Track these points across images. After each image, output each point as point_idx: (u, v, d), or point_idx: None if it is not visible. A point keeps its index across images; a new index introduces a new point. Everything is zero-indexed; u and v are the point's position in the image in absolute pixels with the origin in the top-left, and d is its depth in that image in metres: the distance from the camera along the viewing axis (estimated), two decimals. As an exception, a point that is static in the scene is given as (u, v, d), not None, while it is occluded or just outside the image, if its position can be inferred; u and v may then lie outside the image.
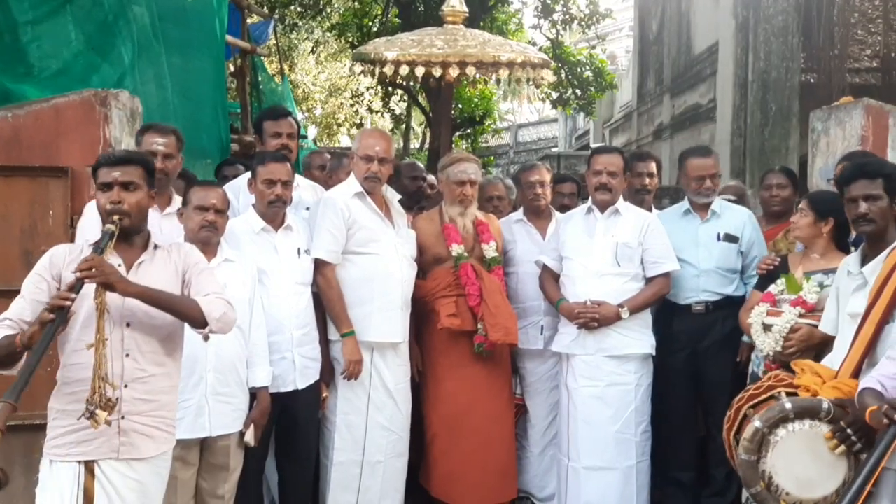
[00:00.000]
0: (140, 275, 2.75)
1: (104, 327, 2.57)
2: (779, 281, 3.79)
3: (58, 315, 2.43)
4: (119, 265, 2.70)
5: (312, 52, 17.72)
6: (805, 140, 5.22)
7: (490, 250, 4.36)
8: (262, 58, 9.03)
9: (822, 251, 3.76)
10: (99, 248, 2.59)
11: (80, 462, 2.65)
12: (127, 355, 2.69)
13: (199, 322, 2.77)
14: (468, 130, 16.51)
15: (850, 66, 8.73)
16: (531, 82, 5.62)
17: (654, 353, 4.29)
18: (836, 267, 3.64)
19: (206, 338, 3.00)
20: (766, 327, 3.70)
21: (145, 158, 2.88)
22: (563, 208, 4.90)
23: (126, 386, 2.68)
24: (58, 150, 3.87)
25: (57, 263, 2.72)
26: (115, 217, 2.67)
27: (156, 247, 2.86)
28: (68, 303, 2.45)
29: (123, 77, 4.69)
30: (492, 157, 20.20)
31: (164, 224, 3.53)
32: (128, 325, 2.70)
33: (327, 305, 4.04)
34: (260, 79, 8.46)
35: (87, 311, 2.63)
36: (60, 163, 3.84)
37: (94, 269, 2.49)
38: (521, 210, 4.81)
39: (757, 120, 8.77)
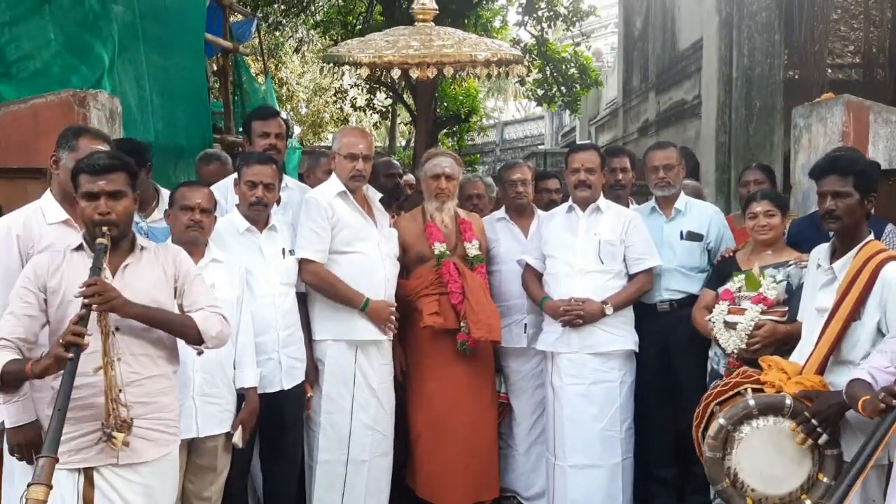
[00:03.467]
0: (126, 278, 2.73)
1: (110, 349, 2.57)
2: (736, 279, 3.84)
3: (74, 352, 2.42)
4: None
5: (297, 50, 17.63)
6: (789, 136, 5.24)
7: (472, 248, 4.36)
8: (247, 57, 8.98)
9: (777, 246, 3.84)
10: (97, 268, 2.58)
11: (79, 470, 2.63)
12: (118, 359, 2.66)
13: (195, 340, 2.80)
14: (454, 128, 16.49)
15: (832, 61, 8.76)
16: (508, 77, 5.63)
17: (637, 350, 4.31)
18: (786, 259, 3.74)
19: (199, 353, 3.00)
20: (729, 325, 3.73)
21: (127, 162, 2.79)
22: (549, 205, 4.90)
23: (121, 391, 2.64)
24: (36, 151, 3.84)
25: (41, 274, 2.69)
26: (105, 229, 2.64)
27: (141, 248, 2.84)
28: (83, 340, 2.44)
29: (102, 77, 4.65)
30: (478, 155, 20.16)
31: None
32: (116, 329, 2.66)
33: (331, 293, 4.02)
34: (243, 78, 8.42)
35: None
36: (38, 164, 3.80)
37: (97, 296, 2.50)
38: (503, 208, 4.81)
39: (741, 116, 8.80)
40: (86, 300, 2.50)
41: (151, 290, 2.76)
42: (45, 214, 3.07)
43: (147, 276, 2.79)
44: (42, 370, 2.45)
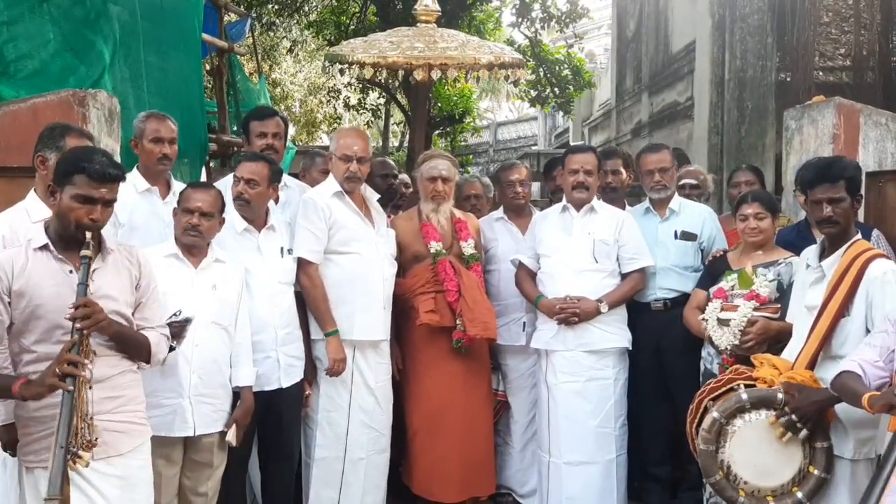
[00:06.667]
0: (96, 283, 2.65)
1: (86, 369, 2.50)
2: (729, 277, 3.89)
3: (71, 382, 2.38)
4: (70, 272, 2.65)
5: (290, 50, 17.59)
6: (781, 138, 5.29)
7: (468, 247, 4.39)
8: (240, 56, 8.96)
9: (767, 246, 3.90)
10: (84, 285, 2.53)
11: None
12: (90, 385, 2.58)
13: (144, 360, 2.84)
14: (447, 129, 16.51)
15: (824, 64, 8.81)
16: (508, 80, 5.66)
17: (630, 348, 4.34)
18: (775, 259, 3.80)
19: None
20: (722, 322, 3.77)
21: (124, 173, 2.78)
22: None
23: (90, 388, 2.57)
24: (35, 151, 3.84)
25: (4, 277, 2.62)
26: (89, 239, 2.59)
27: (109, 251, 2.79)
28: (78, 369, 2.40)
29: (101, 77, 4.65)
30: (471, 156, 20.21)
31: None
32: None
33: (311, 304, 4.05)
34: (237, 78, 8.40)
35: (46, 323, 2.61)
36: (38, 163, 3.81)
37: (88, 318, 2.47)
38: (501, 208, 4.84)
39: (734, 118, 8.85)
40: (77, 325, 2.45)
41: (118, 298, 2.74)
42: (29, 214, 3.12)
43: (114, 283, 2.75)
44: (32, 396, 2.44)
